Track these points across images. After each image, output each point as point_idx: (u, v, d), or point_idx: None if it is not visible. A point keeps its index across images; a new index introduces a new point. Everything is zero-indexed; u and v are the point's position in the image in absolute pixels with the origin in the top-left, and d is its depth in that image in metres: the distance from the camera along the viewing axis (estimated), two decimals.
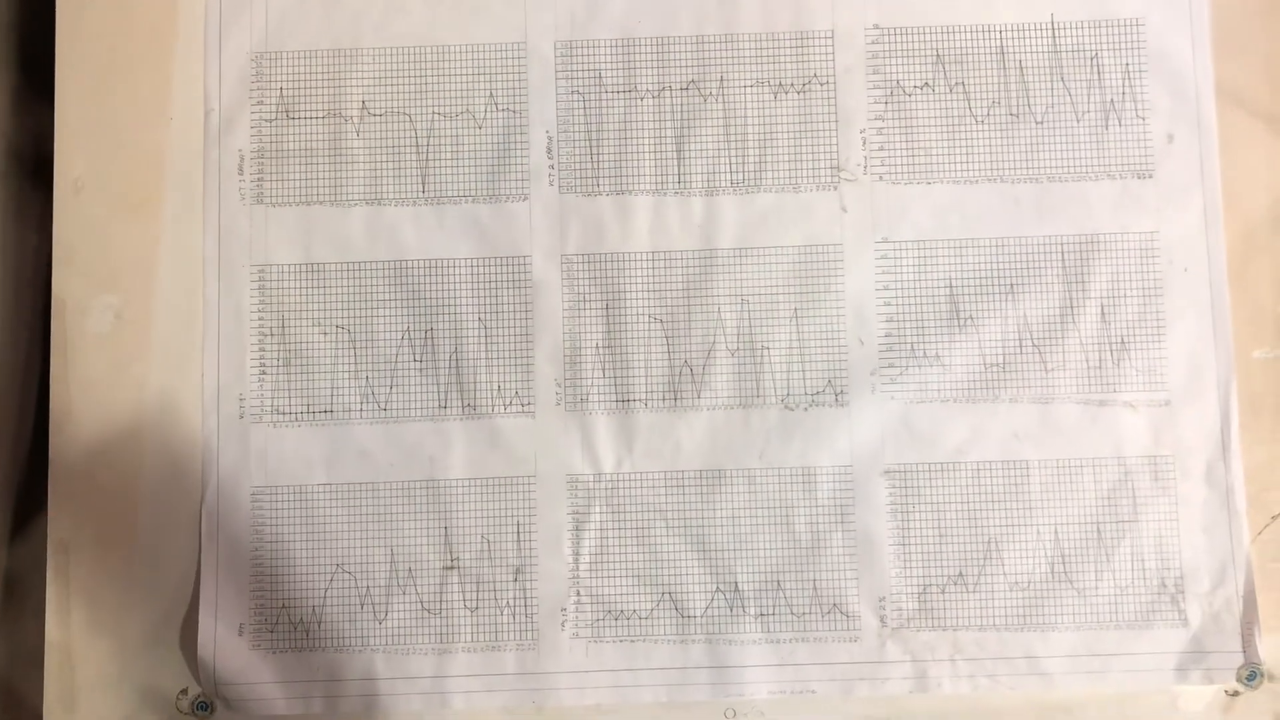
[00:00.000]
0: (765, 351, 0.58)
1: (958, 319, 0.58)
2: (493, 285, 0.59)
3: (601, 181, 0.59)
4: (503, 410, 0.59)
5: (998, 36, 0.60)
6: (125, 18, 0.60)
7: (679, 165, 0.59)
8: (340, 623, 0.58)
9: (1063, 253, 0.59)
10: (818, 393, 0.58)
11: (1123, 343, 0.58)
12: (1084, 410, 0.58)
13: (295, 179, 0.60)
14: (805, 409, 0.58)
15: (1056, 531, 0.58)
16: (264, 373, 0.59)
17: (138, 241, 0.59)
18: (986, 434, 0.58)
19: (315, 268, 0.59)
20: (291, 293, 0.59)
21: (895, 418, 0.58)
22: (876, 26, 0.60)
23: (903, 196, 0.59)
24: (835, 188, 0.59)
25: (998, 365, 0.58)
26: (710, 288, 0.59)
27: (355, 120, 0.60)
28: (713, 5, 0.60)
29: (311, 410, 0.59)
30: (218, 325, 0.59)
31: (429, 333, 0.59)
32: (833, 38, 0.60)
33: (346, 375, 0.59)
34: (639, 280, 0.59)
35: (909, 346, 0.58)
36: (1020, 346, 0.58)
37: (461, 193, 0.59)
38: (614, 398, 0.59)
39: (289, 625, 0.58)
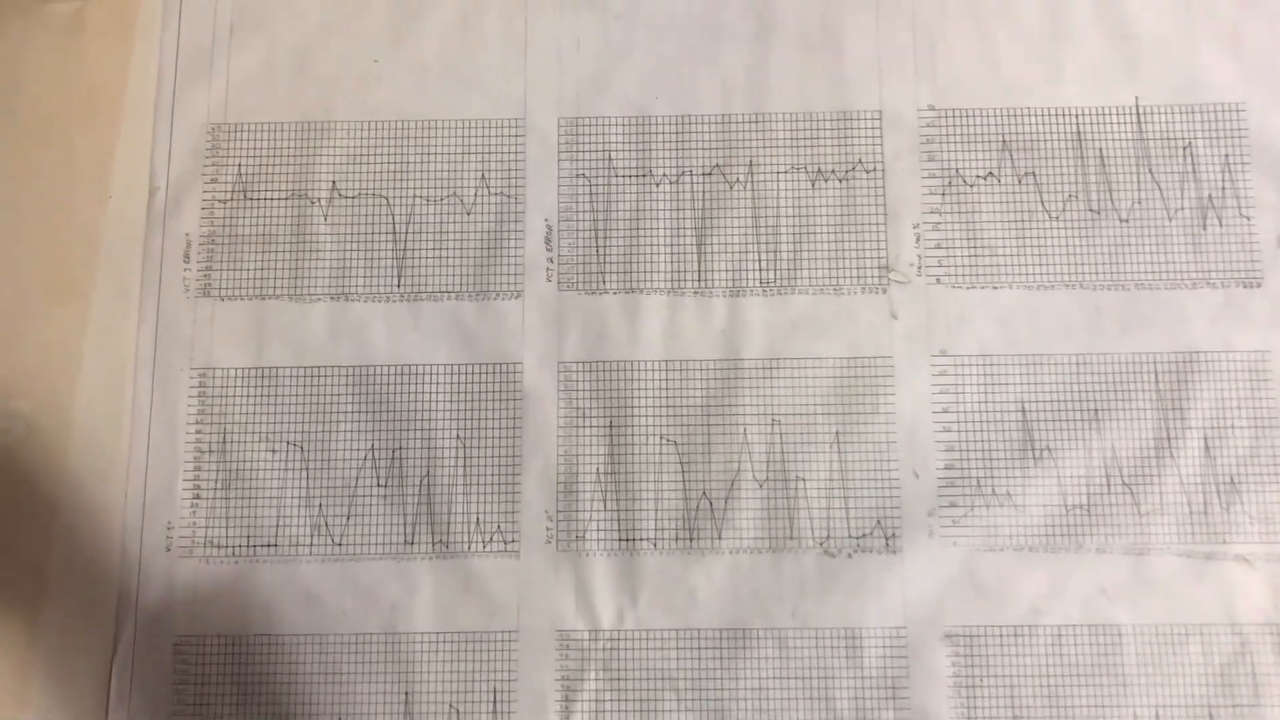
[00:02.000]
0: (800, 484, 0.51)
1: (1032, 450, 0.51)
2: (475, 397, 0.53)
3: (608, 277, 0.53)
4: (481, 548, 0.51)
5: (1074, 121, 0.54)
6: (68, 78, 0.55)
7: (699, 261, 0.53)
8: None
9: (1156, 373, 0.52)
10: (864, 535, 0.51)
11: (1232, 483, 0.51)
12: (1187, 564, 0.50)
13: (249, 269, 0.54)
14: (849, 555, 0.51)
15: (1158, 715, 0.50)
16: (199, 497, 0.52)
17: (59, 337, 0.53)
18: (1069, 591, 0.51)
19: (266, 373, 0.53)
20: (237, 402, 0.53)
21: (958, 569, 0.51)
22: (931, 108, 0.55)
23: (964, 302, 0.53)
24: (884, 290, 0.53)
25: (1081, 507, 0.51)
26: (734, 405, 0.52)
27: (323, 202, 0.54)
28: (740, 80, 0.55)
29: (252, 544, 0.51)
30: (147, 439, 0.52)
31: (397, 452, 0.52)
32: (880, 119, 0.55)
33: (296, 502, 0.52)
34: (649, 394, 0.52)
35: (974, 482, 0.51)
36: (1108, 485, 0.51)
37: (443, 287, 0.53)
38: (616, 536, 0.51)
39: None
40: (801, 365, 0.53)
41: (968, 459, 0.52)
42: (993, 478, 0.52)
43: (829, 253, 0.54)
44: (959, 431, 0.52)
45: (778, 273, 0.54)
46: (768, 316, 0.53)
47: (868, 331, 0.53)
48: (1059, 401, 0.52)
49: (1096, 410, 0.52)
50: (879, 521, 0.51)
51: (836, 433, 0.52)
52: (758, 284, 0.53)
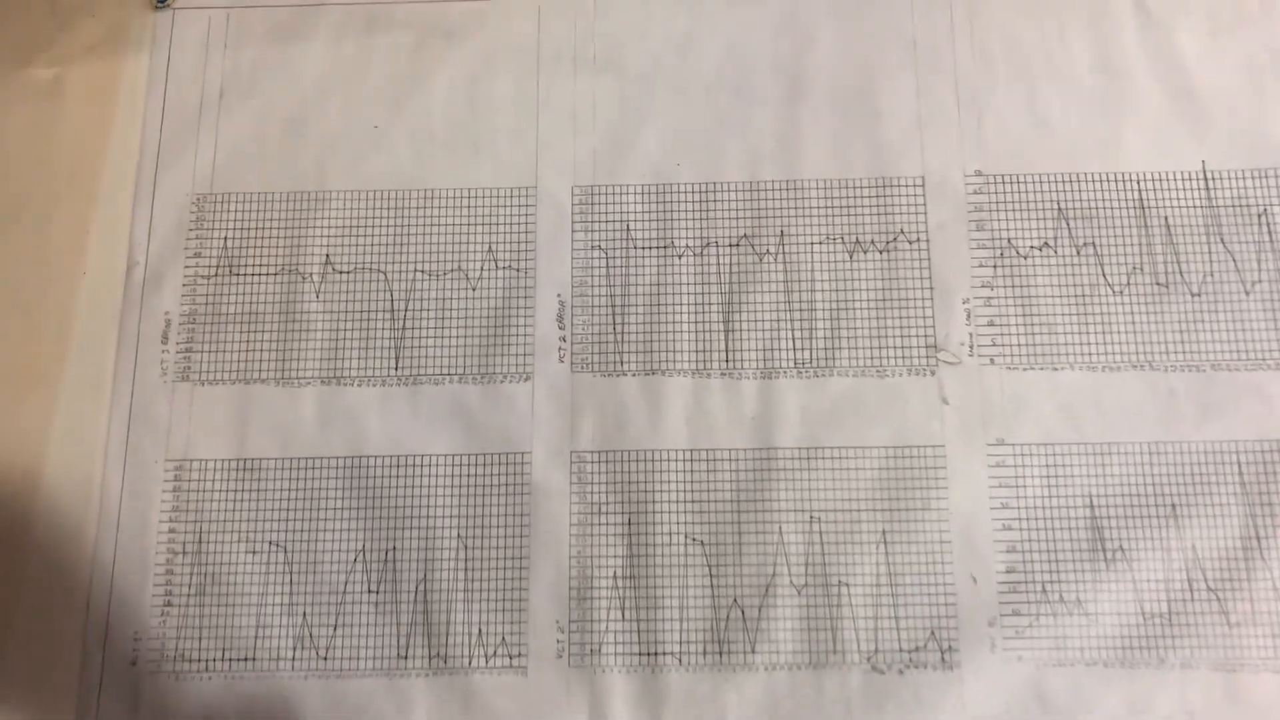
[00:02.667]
0: (844, 590, 0.47)
1: (1103, 551, 0.47)
2: (479, 491, 0.48)
3: (627, 358, 0.49)
4: (484, 663, 0.47)
5: (1135, 187, 0.50)
6: (44, 147, 0.53)
7: (727, 340, 0.50)
8: None
9: (1239, 464, 0.47)
10: (916, 649, 0.46)
11: None
12: None
13: (234, 350, 0.50)
14: (900, 671, 0.46)
15: None
16: (169, 604, 0.47)
17: (25, 424, 0.50)
18: (1151, 712, 0.46)
19: (249, 465, 0.49)
20: (215, 497, 0.49)
21: (1024, 686, 0.46)
22: (979, 173, 0.51)
23: (1022, 385, 0.49)
24: (932, 372, 0.49)
25: (1161, 616, 0.46)
26: (768, 500, 0.48)
27: (315, 278, 0.51)
28: (770, 146, 0.52)
29: (228, 657, 0.47)
30: (115, 538, 0.48)
31: (390, 554, 0.48)
32: (923, 186, 0.51)
33: (278, 610, 0.47)
34: (673, 488, 0.48)
35: (1039, 587, 0.46)
36: (1190, 591, 0.46)
37: (445, 370, 0.50)
38: (636, 649, 0.47)
39: None
40: (843, 455, 0.48)
41: (1031, 561, 0.47)
42: (1060, 582, 0.47)
43: (870, 331, 0.50)
44: (1021, 530, 0.47)
45: (814, 353, 0.49)
46: (804, 401, 0.49)
47: (916, 417, 0.49)
48: (1132, 496, 0.47)
49: (1174, 505, 0.47)
50: (933, 633, 0.46)
51: (883, 532, 0.47)
52: (792, 365, 0.49)
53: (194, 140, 0.53)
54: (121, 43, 0.54)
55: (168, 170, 0.52)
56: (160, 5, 0.54)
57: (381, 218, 0.52)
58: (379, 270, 0.51)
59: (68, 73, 0.53)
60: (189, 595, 0.48)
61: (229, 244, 0.52)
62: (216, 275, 0.51)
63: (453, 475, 0.48)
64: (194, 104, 0.53)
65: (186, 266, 0.51)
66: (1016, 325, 0.49)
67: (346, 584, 0.47)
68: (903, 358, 0.49)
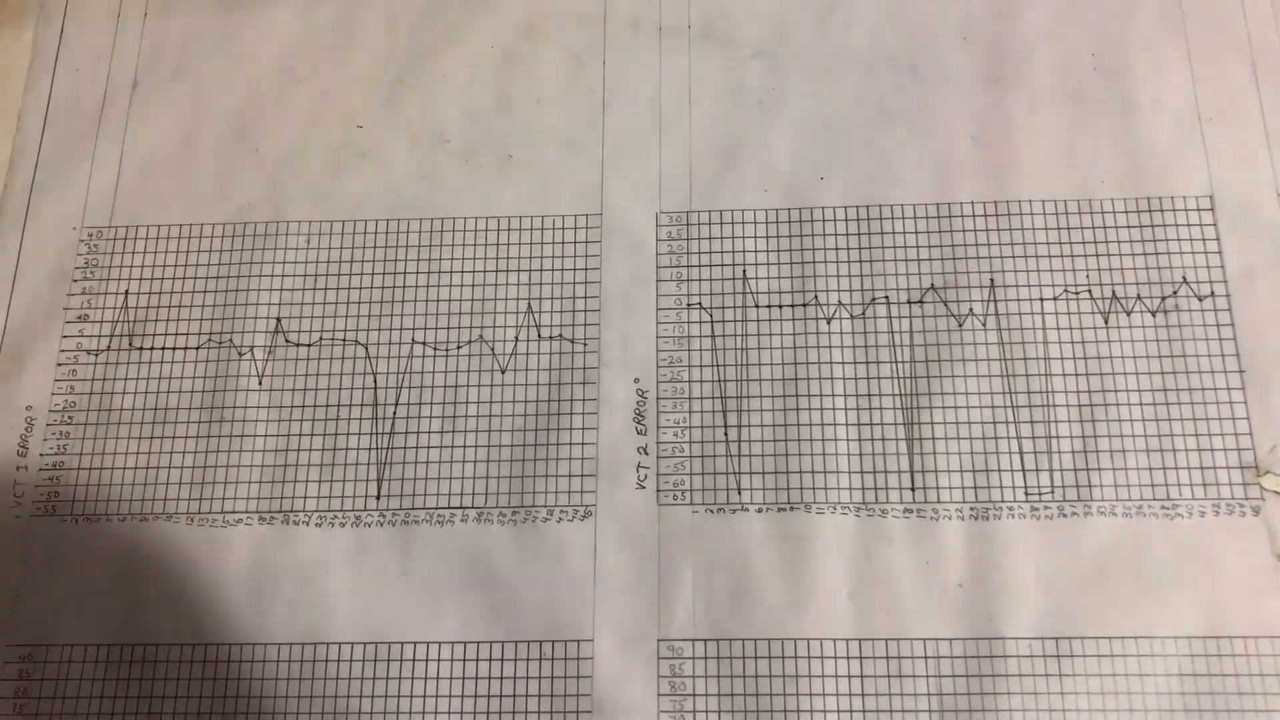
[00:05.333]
0: None
1: None
2: (508, 704, 0.33)
3: (749, 482, 0.35)
4: None
5: None
6: None
7: (910, 452, 0.34)
8: None
9: None
10: None
11: None
12: None
13: (129, 467, 0.36)
14: None
15: None
16: None
17: None
18: None
19: (140, 655, 0.34)
20: (83, 706, 0.34)
21: None
22: None
23: None
24: (1255, 510, 0.34)
25: None
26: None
27: (259, 354, 0.37)
28: (965, 148, 0.38)
29: None
30: None
31: None
32: (1212, 211, 0.37)
33: None
34: (832, 703, 0.32)
35: None
36: None
37: (455, 500, 0.35)
38: None
39: None
40: (1116, 653, 0.32)
41: None
42: None
43: (1145, 440, 0.34)
44: None
45: (1055, 475, 0.34)
46: (1044, 556, 0.33)
47: (1235, 586, 0.33)
48: None
49: None
50: None
51: None
52: (1020, 496, 0.33)
53: (89, 149, 0.40)
54: None
55: (48, 192, 0.40)
56: None
57: (363, 262, 0.37)
58: (356, 342, 0.37)
59: None
60: None
61: (131, 302, 0.38)
62: (110, 350, 0.38)
63: (464, 677, 0.33)
64: (94, 97, 0.41)
65: (66, 336, 0.38)
66: None
67: None
68: (1203, 483, 0.34)
